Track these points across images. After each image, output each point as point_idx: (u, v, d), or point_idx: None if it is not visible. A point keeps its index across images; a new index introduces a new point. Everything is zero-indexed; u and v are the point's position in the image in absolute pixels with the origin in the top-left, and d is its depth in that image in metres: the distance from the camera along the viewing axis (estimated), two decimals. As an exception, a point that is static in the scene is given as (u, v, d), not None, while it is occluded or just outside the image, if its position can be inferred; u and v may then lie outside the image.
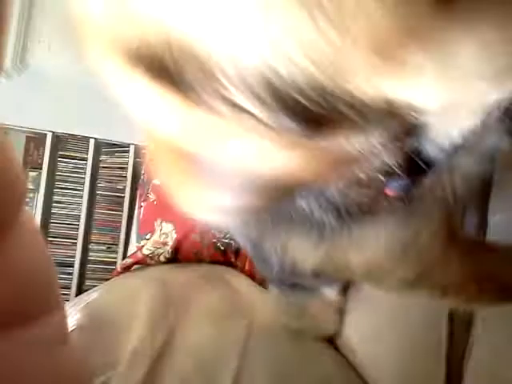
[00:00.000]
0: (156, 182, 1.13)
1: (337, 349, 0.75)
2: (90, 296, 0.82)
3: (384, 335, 0.67)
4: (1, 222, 0.23)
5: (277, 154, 0.25)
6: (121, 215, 1.90)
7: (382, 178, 0.30)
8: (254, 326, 0.73)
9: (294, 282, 0.64)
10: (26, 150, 1.91)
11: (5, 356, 0.24)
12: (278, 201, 0.32)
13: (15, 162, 0.23)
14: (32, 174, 1.87)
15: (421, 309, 0.61)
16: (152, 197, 1.13)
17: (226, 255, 1.00)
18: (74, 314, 0.73)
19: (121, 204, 1.91)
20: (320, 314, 0.73)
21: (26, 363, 0.26)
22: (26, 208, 0.27)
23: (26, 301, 0.26)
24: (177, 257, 1.04)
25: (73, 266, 1.85)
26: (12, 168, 0.23)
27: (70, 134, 1.90)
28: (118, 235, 1.90)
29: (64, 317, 0.30)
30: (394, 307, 0.65)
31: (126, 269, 1.07)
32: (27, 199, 1.85)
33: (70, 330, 0.30)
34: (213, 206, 0.31)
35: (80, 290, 1.82)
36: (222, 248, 0.99)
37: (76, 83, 1.87)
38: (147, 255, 1.05)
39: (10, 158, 0.23)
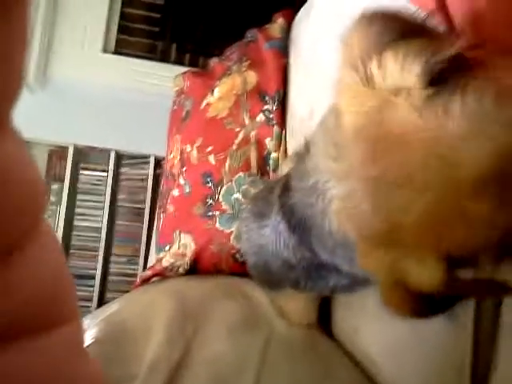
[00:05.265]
0: (175, 193, 1.13)
1: (355, 360, 0.74)
2: (109, 308, 0.82)
3: (405, 348, 0.65)
4: (20, 233, 0.23)
5: None
6: (141, 227, 1.92)
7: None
8: (271, 338, 0.72)
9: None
10: (49, 162, 1.94)
11: (18, 365, 0.24)
12: None
13: (36, 174, 0.24)
14: (54, 186, 1.90)
15: (444, 322, 0.59)
16: (171, 208, 1.13)
17: (244, 266, 0.99)
18: (93, 327, 0.73)
19: (141, 215, 1.93)
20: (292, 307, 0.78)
21: (41, 373, 0.26)
22: (47, 219, 0.27)
23: (42, 311, 0.26)
24: (196, 268, 1.04)
25: (94, 278, 1.87)
26: (32, 180, 0.23)
27: (91, 147, 1.92)
28: (139, 247, 1.91)
29: (79, 328, 0.30)
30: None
31: (145, 281, 1.06)
32: (49, 211, 1.88)
33: (87, 342, 0.30)
34: None
35: (101, 302, 1.83)
36: (241, 259, 0.98)
37: (96, 97, 1.90)
38: (166, 267, 1.05)
39: (29, 169, 0.23)
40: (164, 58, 2.01)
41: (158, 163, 1.92)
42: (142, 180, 1.94)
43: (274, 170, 1.05)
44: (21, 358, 0.24)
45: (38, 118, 1.80)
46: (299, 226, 0.56)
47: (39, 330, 0.26)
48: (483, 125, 0.30)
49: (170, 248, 1.08)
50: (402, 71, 0.33)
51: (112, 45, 1.98)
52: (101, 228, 1.89)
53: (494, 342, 0.55)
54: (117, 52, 1.98)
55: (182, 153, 1.16)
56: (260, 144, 1.07)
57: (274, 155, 1.06)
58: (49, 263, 0.27)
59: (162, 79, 1.84)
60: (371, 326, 0.73)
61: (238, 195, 1.02)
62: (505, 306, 0.53)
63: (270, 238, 0.65)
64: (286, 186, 0.60)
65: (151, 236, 1.67)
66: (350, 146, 0.36)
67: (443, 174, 0.31)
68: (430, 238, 0.33)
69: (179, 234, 1.06)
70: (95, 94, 1.89)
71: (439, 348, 0.61)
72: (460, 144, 0.31)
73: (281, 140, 1.06)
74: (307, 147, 0.52)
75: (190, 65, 1.96)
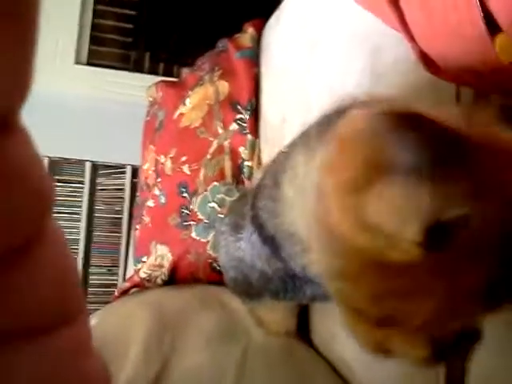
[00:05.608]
0: (150, 203, 1.13)
1: (332, 365, 0.75)
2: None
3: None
4: (25, 233, 0.24)
5: None
6: (120, 237, 1.90)
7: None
8: (249, 347, 0.73)
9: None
10: (24, 176, 1.91)
11: (25, 365, 0.25)
12: None
13: (44, 173, 0.24)
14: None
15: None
16: (146, 219, 1.13)
17: (222, 275, 1.00)
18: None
19: (119, 225, 1.91)
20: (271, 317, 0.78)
21: (48, 372, 0.26)
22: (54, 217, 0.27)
23: (47, 311, 0.26)
24: (174, 278, 1.04)
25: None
26: (40, 179, 0.24)
27: (65, 158, 1.91)
28: (118, 257, 1.90)
29: (86, 325, 0.30)
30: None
31: (124, 293, 1.06)
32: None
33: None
34: None
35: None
36: (218, 268, 0.99)
37: (70, 108, 1.89)
38: (144, 278, 1.05)
39: (37, 167, 0.23)
40: (137, 67, 2.00)
41: (135, 172, 1.91)
42: (119, 190, 1.93)
43: (249, 178, 1.05)
44: (27, 358, 0.25)
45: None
46: (269, 238, 0.57)
47: (45, 329, 0.26)
48: None
49: (147, 259, 1.08)
50: (399, 221, 0.27)
51: (84, 56, 1.97)
52: (79, 240, 1.87)
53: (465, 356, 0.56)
54: (89, 63, 1.97)
55: (156, 164, 1.17)
56: (234, 153, 1.07)
57: (248, 163, 1.06)
58: (55, 262, 0.27)
59: (136, 89, 1.83)
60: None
61: (213, 204, 1.02)
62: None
63: (245, 250, 0.65)
64: (254, 204, 0.60)
65: (129, 246, 1.66)
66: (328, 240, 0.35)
67: None
68: None
69: (155, 245, 1.07)
70: (69, 105, 1.87)
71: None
72: None
73: (255, 148, 1.07)
74: (277, 179, 0.52)
75: (165, 74, 1.96)
